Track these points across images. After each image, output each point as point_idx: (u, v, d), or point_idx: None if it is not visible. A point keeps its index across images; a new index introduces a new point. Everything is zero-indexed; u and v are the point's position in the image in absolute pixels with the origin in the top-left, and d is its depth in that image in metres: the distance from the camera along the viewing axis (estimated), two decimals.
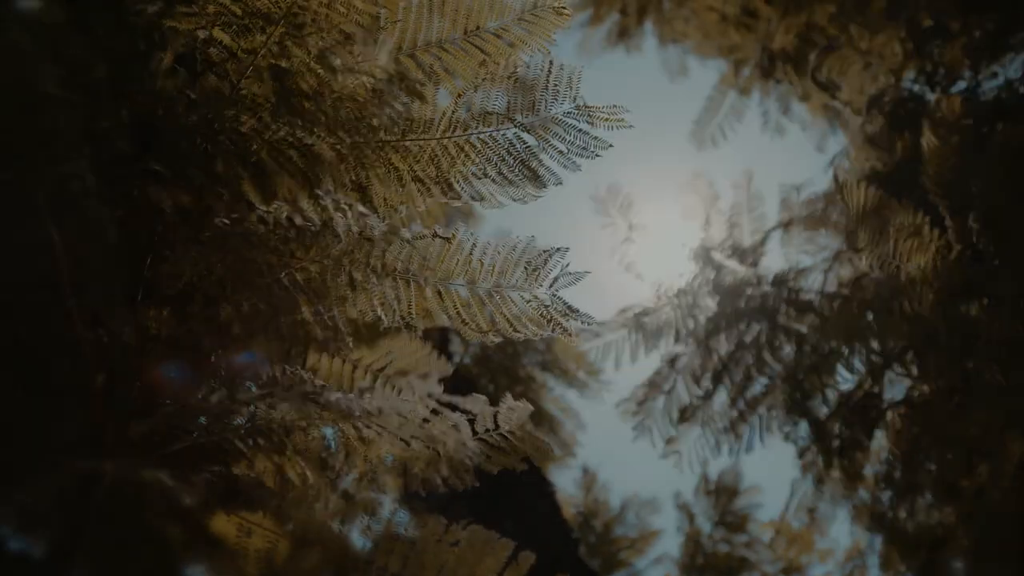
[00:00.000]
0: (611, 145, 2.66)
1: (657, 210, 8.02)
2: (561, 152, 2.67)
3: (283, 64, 2.65)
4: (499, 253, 2.63)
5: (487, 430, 2.84)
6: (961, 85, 7.26)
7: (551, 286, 2.61)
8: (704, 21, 8.26)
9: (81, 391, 2.58)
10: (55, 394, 2.59)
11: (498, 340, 2.74)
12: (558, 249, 2.61)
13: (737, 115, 8.66)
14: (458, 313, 2.70)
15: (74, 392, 2.59)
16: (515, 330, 2.68)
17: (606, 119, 2.65)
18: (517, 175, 2.71)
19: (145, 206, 2.65)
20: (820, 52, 7.83)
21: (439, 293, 2.70)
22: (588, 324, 2.65)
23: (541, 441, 2.89)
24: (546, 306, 2.63)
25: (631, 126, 2.67)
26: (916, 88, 7.45)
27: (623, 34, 8.73)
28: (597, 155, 2.68)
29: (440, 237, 2.64)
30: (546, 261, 2.59)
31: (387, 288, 2.70)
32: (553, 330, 2.66)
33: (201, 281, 2.67)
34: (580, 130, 2.65)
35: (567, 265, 2.61)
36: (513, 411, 2.85)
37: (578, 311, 2.64)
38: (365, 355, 3.05)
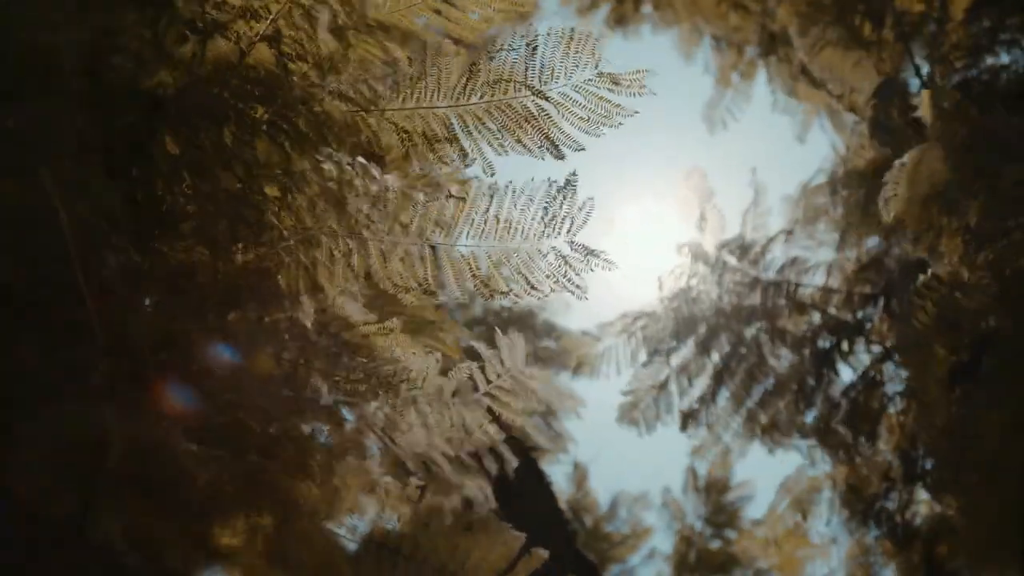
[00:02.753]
0: (636, 112, 2.57)
1: (655, 205, 7.91)
2: (583, 120, 2.58)
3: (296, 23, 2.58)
4: (515, 205, 2.59)
5: (498, 375, 2.86)
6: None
7: (569, 231, 2.56)
8: (702, 5, 8.14)
9: (89, 357, 2.56)
10: (63, 358, 2.56)
11: (515, 301, 2.70)
12: (571, 186, 2.55)
13: (744, 98, 8.54)
14: (474, 275, 2.65)
15: (82, 357, 2.57)
16: (533, 289, 2.64)
17: (629, 85, 2.55)
18: (535, 144, 2.62)
19: (154, 166, 2.62)
20: (812, 46, 7.73)
21: (458, 256, 2.65)
22: (609, 267, 2.60)
23: (543, 374, 2.89)
24: (564, 256, 2.59)
25: (654, 93, 2.58)
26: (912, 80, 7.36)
27: (620, 21, 8.59)
28: (620, 123, 2.59)
29: (454, 197, 2.60)
30: (563, 205, 2.54)
31: (403, 250, 2.66)
32: (568, 285, 2.62)
33: (210, 242, 2.65)
34: (602, 98, 2.56)
35: (583, 205, 2.56)
36: (513, 346, 2.87)
37: (598, 253, 2.59)
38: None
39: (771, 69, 8.37)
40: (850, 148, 7.77)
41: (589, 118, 2.57)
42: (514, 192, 2.59)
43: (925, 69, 7.18)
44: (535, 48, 2.50)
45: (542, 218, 2.57)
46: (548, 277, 2.61)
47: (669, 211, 7.66)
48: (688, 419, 7.20)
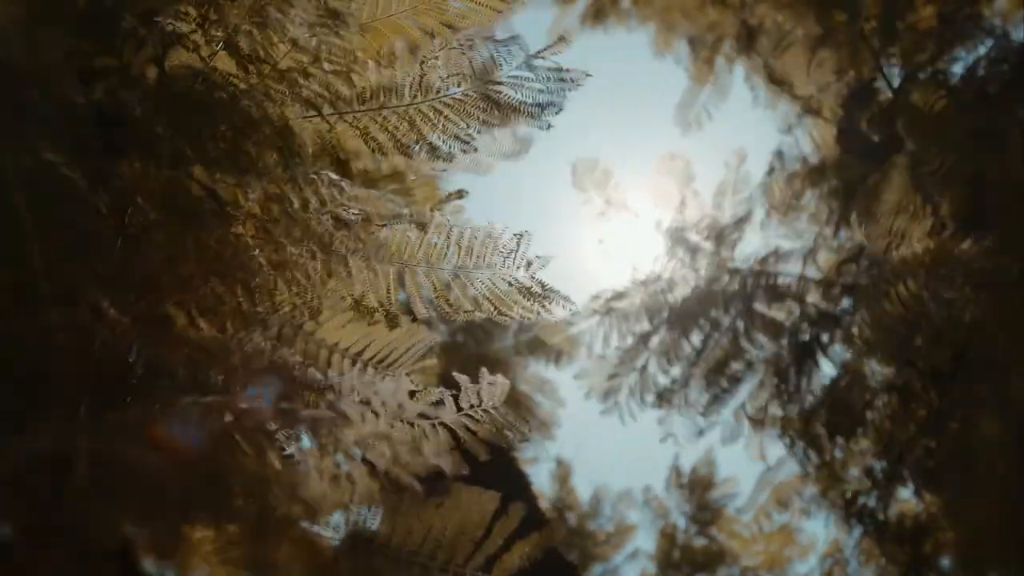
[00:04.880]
0: (586, 77, 2.67)
1: (634, 192, 7.86)
2: (528, 103, 2.65)
3: (255, 35, 2.58)
4: (476, 237, 2.66)
5: (471, 406, 2.84)
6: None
7: (528, 268, 2.66)
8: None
9: (54, 375, 2.49)
10: (28, 377, 2.49)
11: (482, 318, 2.77)
12: (526, 232, 2.66)
13: (721, 94, 8.49)
14: (440, 296, 2.71)
15: (47, 376, 2.49)
16: (500, 311, 2.72)
17: (570, 81, 2.64)
18: (502, 124, 2.70)
19: (116, 185, 2.57)
20: (774, 49, 7.73)
21: (422, 277, 2.69)
22: (568, 306, 2.72)
23: (520, 420, 2.91)
24: (527, 287, 2.67)
25: (580, 85, 2.68)
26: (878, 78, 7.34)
27: (598, 15, 8.51)
28: (578, 86, 2.67)
29: (416, 222, 2.64)
30: (519, 244, 2.64)
31: (365, 272, 2.68)
32: (538, 310, 2.71)
33: (174, 262, 2.61)
34: (551, 78, 2.65)
35: (537, 254, 2.68)
36: (493, 386, 2.86)
37: (557, 291, 2.69)
38: (343, 339, 3.03)
39: (750, 64, 8.31)
40: (824, 141, 7.75)
41: (547, 89, 2.65)
42: (474, 229, 2.68)
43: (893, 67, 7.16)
44: (471, 46, 2.60)
45: (501, 253, 2.65)
46: (515, 301, 2.71)
47: (650, 197, 7.66)
48: (663, 399, 7.16)
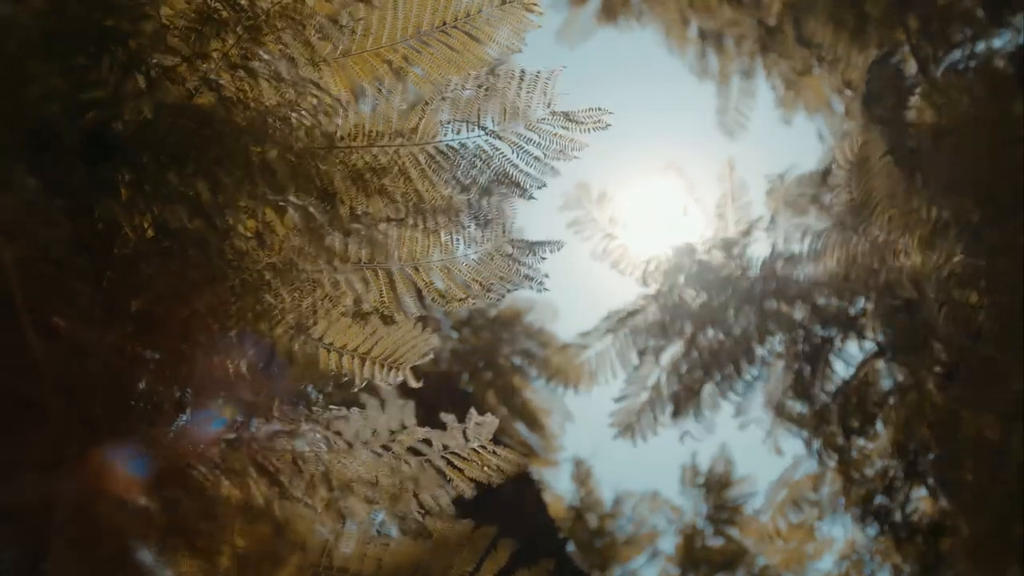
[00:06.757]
0: (586, 145, 2.58)
1: (642, 201, 7.87)
2: (537, 158, 2.59)
3: (240, 69, 2.57)
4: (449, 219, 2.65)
5: (459, 445, 2.83)
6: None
7: (505, 232, 2.64)
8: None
9: (40, 405, 2.49)
10: (13, 409, 2.50)
11: (476, 304, 2.77)
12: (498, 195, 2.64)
13: (749, 97, 8.47)
14: (430, 289, 2.71)
15: (33, 406, 2.50)
16: (489, 290, 2.71)
17: (584, 124, 2.56)
18: (494, 182, 2.64)
19: (102, 216, 2.57)
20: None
21: (409, 274, 2.69)
22: (553, 250, 2.69)
23: (511, 455, 2.89)
24: (510, 253, 2.66)
25: (609, 125, 2.59)
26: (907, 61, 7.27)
27: (609, 15, 8.46)
28: (574, 157, 2.61)
29: (394, 220, 2.63)
30: (497, 212, 2.63)
31: (355, 279, 2.68)
32: (523, 279, 2.68)
33: (162, 290, 2.60)
34: (556, 135, 2.57)
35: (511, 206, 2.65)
36: (481, 426, 2.84)
37: (538, 244, 2.66)
38: (349, 340, 3.00)
39: (767, 62, 8.26)
40: (842, 138, 7.69)
41: (544, 155, 2.59)
42: (447, 208, 2.65)
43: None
44: (487, 90, 2.51)
45: (477, 226, 2.63)
46: (501, 278, 2.68)
47: (655, 204, 7.65)
48: (679, 406, 7.17)
